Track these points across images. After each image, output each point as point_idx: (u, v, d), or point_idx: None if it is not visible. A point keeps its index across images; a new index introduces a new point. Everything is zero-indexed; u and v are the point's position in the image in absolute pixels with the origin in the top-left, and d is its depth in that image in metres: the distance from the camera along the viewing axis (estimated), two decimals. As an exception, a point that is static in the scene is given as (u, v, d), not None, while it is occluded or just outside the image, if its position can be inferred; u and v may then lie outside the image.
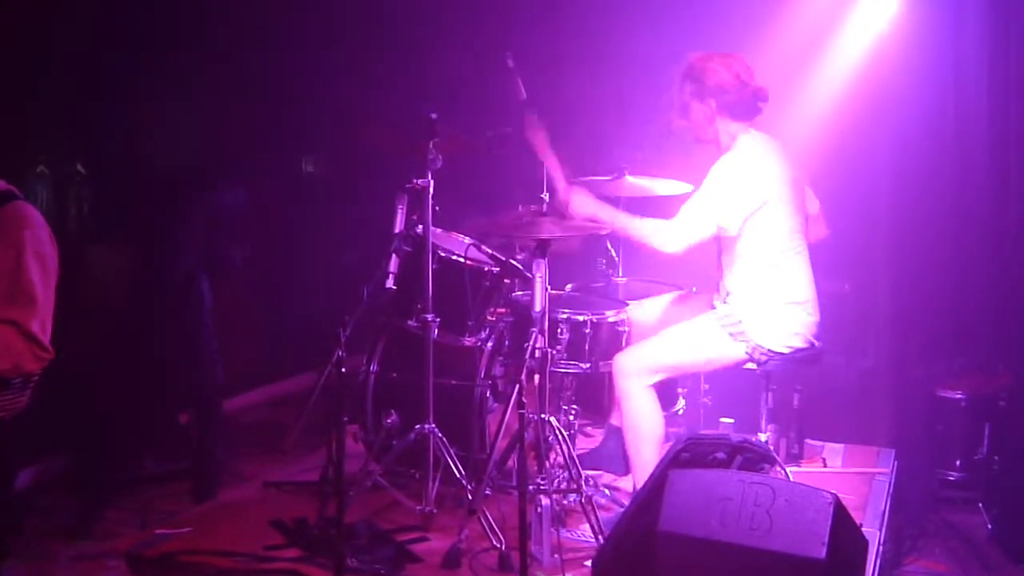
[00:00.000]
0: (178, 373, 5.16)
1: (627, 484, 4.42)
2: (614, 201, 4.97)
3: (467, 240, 4.44)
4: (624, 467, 4.52)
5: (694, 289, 4.75)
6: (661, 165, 4.96)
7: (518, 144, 4.41)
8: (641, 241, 4.19)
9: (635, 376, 4.13)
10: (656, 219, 4.20)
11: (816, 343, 4.29)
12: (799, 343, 4.22)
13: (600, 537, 3.88)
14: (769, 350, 4.18)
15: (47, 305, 3.69)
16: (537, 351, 3.80)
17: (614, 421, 4.60)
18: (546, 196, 4.03)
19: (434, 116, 4.11)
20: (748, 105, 4.21)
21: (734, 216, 4.12)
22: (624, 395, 4.15)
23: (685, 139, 4.41)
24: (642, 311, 4.55)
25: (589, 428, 5.10)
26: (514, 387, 3.50)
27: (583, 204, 4.22)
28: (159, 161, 5.35)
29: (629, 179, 4.87)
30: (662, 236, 4.13)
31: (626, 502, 4.21)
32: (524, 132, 4.26)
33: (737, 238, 4.17)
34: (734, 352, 4.18)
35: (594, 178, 4.93)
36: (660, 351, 4.18)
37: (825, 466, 4.90)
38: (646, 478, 3.82)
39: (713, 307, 4.34)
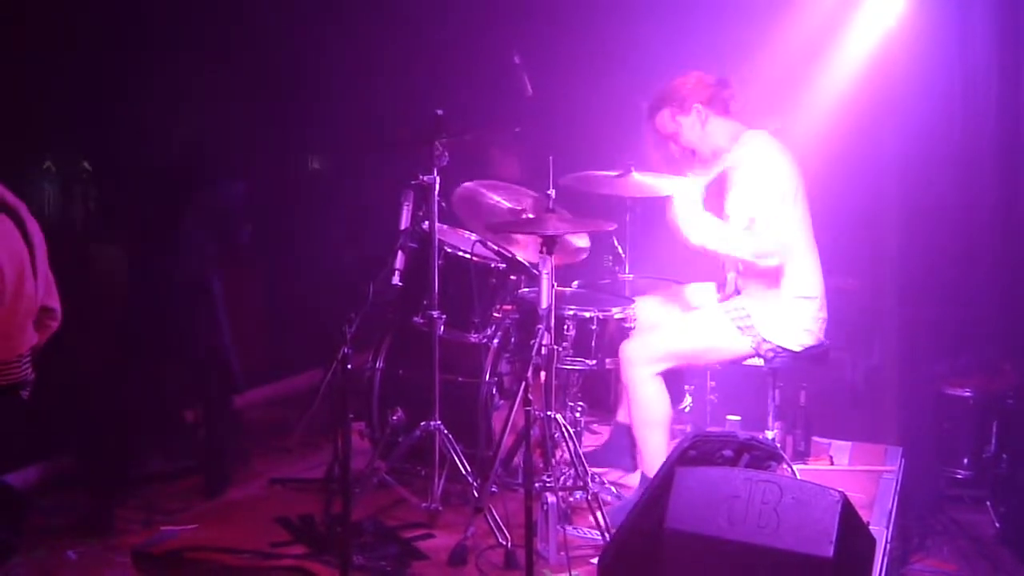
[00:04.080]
0: (190, 372, 5.14)
1: (634, 481, 4.42)
2: (621, 199, 4.98)
3: (473, 236, 4.43)
4: (632, 464, 4.52)
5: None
6: (667, 162, 4.94)
7: (524, 144, 4.42)
8: (743, 258, 4.19)
9: (642, 364, 4.14)
10: (740, 233, 4.16)
11: (824, 340, 4.29)
12: (809, 340, 4.22)
13: (606, 534, 3.87)
14: (777, 346, 4.17)
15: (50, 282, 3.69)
16: (543, 348, 3.79)
17: (620, 418, 4.60)
18: (552, 192, 4.01)
19: (440, 113, 4.10)
20: (725, 93, 4.28)
21: (790, 202, 4.17)
22: (632, 383, 4.16)
23: (690, 166, 4.41)
24: (648, 306, 4.54)
25: (595, 425, 5.08)
26: (520, 384, 3.50)
27: (689, 228, 4.17)
28: (162, 158, 5.35)
29: (636, 176, 4.84)
30: (759, 250, 4.12)
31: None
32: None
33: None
34: (740, 345, 4.18)
35: (601, 173, 4.90)
36: (667, 340, 4.20)
37: (832, 464, 4.88)
38: (657, 465, 3.84)
39: (719, 298, 4.34)
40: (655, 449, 4.09)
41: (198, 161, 5.26)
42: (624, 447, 4.53)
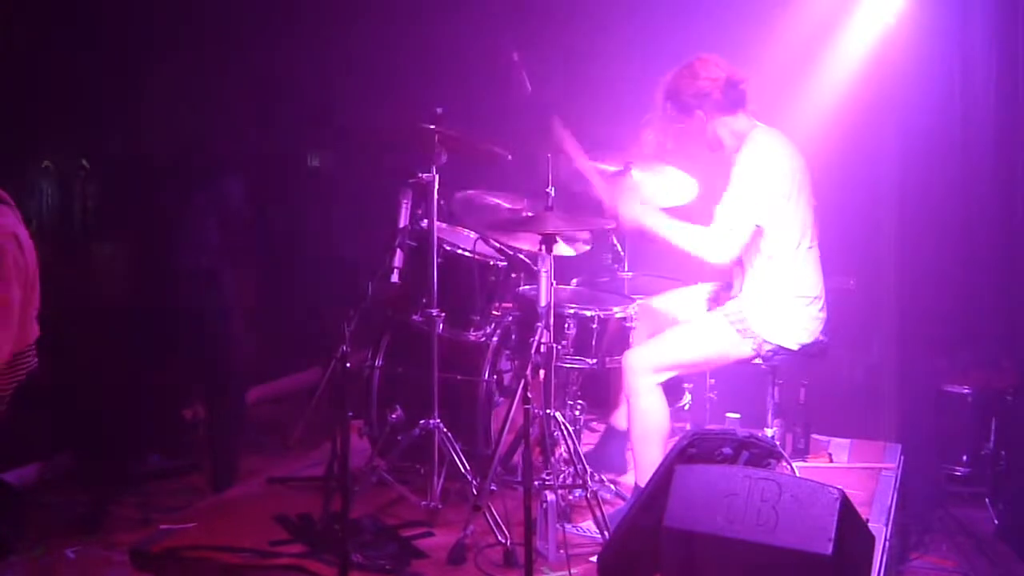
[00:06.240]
0: (196, 365, 5.14)
1: (630, 480, 4.41)
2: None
3: (473, 234, 4.43)
4: (624, 466, 4.51)
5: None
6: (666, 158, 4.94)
7: (523, 142, 4.41)
8: (686, 250, 4.15)
9: (645, 374, 4.11)
10: (698, 227, 4.14)
11: (823, 337, 4.29)
12: (807, 339, 4.21)
13: (606, 533, 3.87)
14: (777, 345, 4.17)
15: (29, 307, 3.73)
16: (543, 346, 3.78)
17: (614, 421, 4.58)
18: (551, 190, 4.00)
19: (439, 111, 4.09)
20: (733, 95, 4.19)
21: (767, 210, 4.10)
22: (633, 392, 4.14)
23: (702, 150, 4.40)
24: (665, 303, 4.53)
25: (595, 423, 5.08)
26: (520, 382, 3.49)
27: (631, 212, 4.20)
28: (162, 156, 5.35)
29: (635, 172, 4.84)
30: (708, 246, 4.09)
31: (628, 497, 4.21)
32: (553, 142, 4.26)
33: (757, 233, 4.16)
34: (742, 349, 4.16)
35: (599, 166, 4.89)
36: (670, 349, 4.16)
37: (831, 461, 4.88)
38: (650, 475, 3.82)
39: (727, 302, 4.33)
40: (650, 462, 4.03)
41: (199, 156, 5.28)
42: (616, 450, 4.53)
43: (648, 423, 4.12)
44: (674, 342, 4.19)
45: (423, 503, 4.14)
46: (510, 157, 4.31)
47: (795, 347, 4.19)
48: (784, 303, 4.17)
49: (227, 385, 5.16)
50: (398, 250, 4.15)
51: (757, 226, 4.11)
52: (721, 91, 4.16)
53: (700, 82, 4.17)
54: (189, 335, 5.11)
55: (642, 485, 4.01)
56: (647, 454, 4.10)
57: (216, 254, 5.08)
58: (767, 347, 4.16)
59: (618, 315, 4.36)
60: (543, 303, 3.83)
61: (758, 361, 4.24)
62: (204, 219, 5.07)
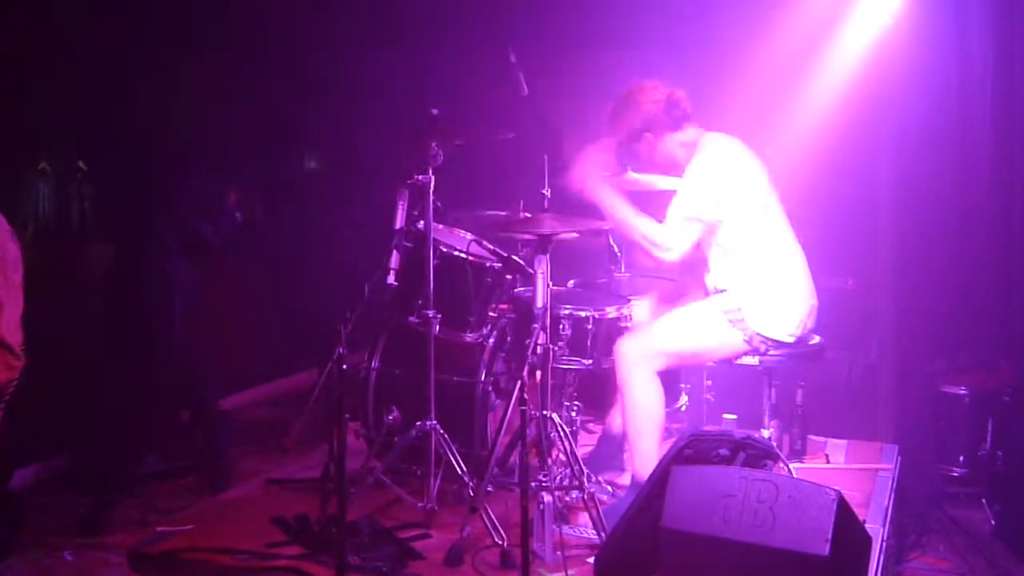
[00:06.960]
0: (165, 368, 5.10)
1: (624, 481, 4.42)
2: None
3: (469, 236, 4.42)
4: (621, 464, 4.52)
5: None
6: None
7: (519, 143, 4.42)
8: (640, 242, 4.21)
9: (636, 362, 4.13)
10: (654, 221, 4.20)
11: (816, 333, 4.30)
12: (799, 330, 4.22)
13: (603, 534, 3.87)
14: (767, 338, 4.18)
15: (13, 309, 3.56)
16: (539, 347, 3.78)
17: (609, 424, 4.58)
18: (547, 192, 4.01)
19: (436, 112, 4.09)
20: (676, 113, 4.25)
21: (714, 208, 4.15)
22: (626, 381, 4.15)
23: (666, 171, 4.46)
24: (643, 309, 4.54)
25: (591, 424, 5.08)
26: (516, 384, 3.50)
27: (598, 188, 4.23)
28: (159, 157, 5.34)
29: (631, 175, 4.84)
30: (658, 239, 4.16)
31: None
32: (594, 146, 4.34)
33: (724, 232, 4.18)
34: (733, 340, 4.18)
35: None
36: (661, 337, 4.19)
37: (828, 462, 4.88)
38: (648, 468, 3.86)
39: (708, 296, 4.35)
40: (648, 452, 4.08)
41: (194, 155, 5.25)
42: (612, 452, 4.53)
43: (644, 412, 4.13)
44: (664, 329, 4.22)
45: (420, 505, 4.14)
46: (511, 135, 4.33)
47: (788, 339, 4.20)
48: (770, 293, 4.20)
49: (205, 386, 5.12)
50: (395, 251, 4.16)
51: (709, 223, 4.15)
52: (664, 110, 4.24)
53: (643, 106, 4.25)
54: (153, 342, 5.05)
55: (639, 476, 4.06)
56: (644, 445, 4.12)
57: (172, 261, 5.02)
58: (758, 339, 4.17)
59: (612, 315, 4.36)
60: (539, 304, 3.83)
61: (754, 360, 4.24)
62: (164, 224, 5.01)
